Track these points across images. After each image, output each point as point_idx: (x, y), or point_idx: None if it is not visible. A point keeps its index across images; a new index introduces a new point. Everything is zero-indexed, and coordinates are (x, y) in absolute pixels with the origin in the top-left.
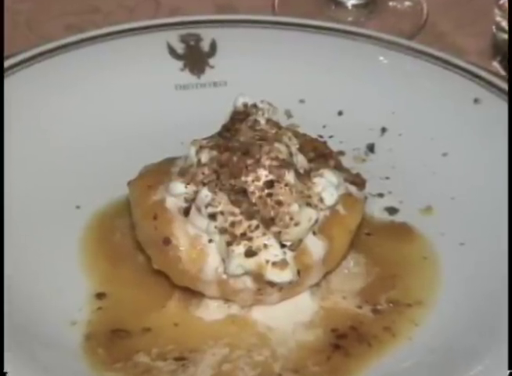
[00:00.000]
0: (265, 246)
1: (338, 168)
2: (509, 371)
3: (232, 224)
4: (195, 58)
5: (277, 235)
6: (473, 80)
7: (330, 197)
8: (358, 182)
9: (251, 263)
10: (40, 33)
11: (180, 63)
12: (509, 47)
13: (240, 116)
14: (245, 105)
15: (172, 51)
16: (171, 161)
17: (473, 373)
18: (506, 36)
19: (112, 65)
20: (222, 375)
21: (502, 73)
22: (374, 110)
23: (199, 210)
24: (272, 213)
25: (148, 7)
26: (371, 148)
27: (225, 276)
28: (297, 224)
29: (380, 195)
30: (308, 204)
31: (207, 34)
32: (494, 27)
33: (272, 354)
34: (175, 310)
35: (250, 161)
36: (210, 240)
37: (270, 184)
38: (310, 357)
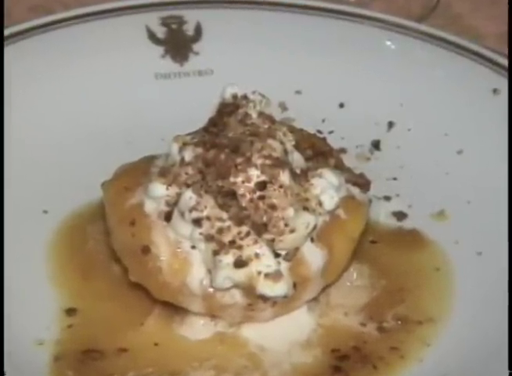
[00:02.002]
0: (257, 255)
1: (339, 167)
2: (509, 371)
3: (220, 231)
4: (177, 43)
5: (270, 243)
6: (491, 68)
7: (330, 200)
8: (362, 183)
9: (241, 275)
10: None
11: (161, 49)
12: (508, 47)
13: (229, 109)
14: (234, 96)
15: (152, 35)
16: (150, 160)
17: None
18: None
19: (83, 52)
20: None
21: None
22: (380, 102)
23: (182, 215)
24: (265, 218)
25: None
26: (376, 145)
27: (211, 290)
28: (292, 231)
29: (387, 198)
30: (305, 208)
31: (192, 17)
32: None
33: None
34: (155, 328)
35: (239, 160)
36: (194, 247)
37: (262, 185)
38: None
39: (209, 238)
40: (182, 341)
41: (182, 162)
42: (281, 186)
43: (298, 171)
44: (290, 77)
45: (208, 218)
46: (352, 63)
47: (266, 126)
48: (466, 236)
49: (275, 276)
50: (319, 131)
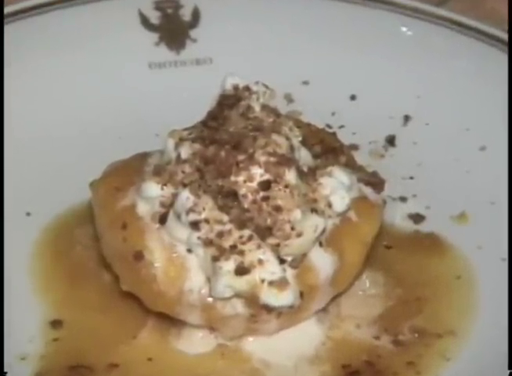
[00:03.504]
0: (260, 261)
1: (350, 165)
2: (509, 371)
3: (220, 234)
4: (173, 29)
5: (275, 248)
6: None
7: (341, 201)
8: (376, 182)
9: (243, 283)
10: None
11: (155, 36)
12: (508, 46)
13: (230, 101)
14: (235, 87)
15: (145, 21)
16: (143, 157)
17: None
18: None
19: (69, 39)
20: None
21: None
22: (395, 93)
23: (178, 217)
24: (269, 221)
25: None
26: (391, 141)
27: (210, 300)
28: (299, 235)
29: (403, 199)
30: (314, 210)
31: (188, 0)
32: None
33: None
34: (149, 341)
35: (241, 157)
36: (190, 250)
37: (266, 185)
38: None
39: (208, 243)
40: (179, 355)
41: (179, 159)
42: (287, 186)
43: (305, 169)
44: (297, 66)
45: (207, 220)
46: (365, 50)
47: (270, 120)
48: (489, 240)
49: (280, 284)
50: (329, 126)
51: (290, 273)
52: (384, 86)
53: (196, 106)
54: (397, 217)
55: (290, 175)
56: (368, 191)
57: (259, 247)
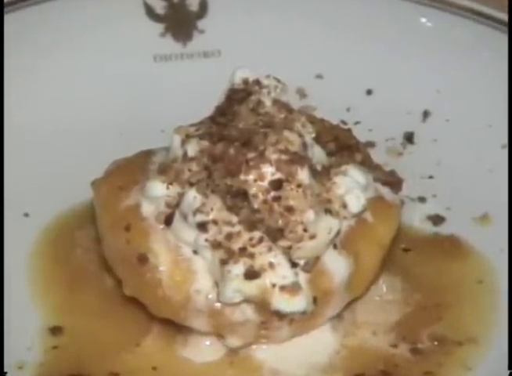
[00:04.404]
0: (271, 265)
1: (366, 163)
2: (509, 371)
3: (229, 236)
4: (180, 20)
5: (287, 251)
6: None
7: (356, 201)
8: (393, 182)
9: (253, 287)
10: None
11: (160, 27)
12: (508, 42)
13: (239, 95)
14: (245, 81)
15: (150, 11)
16: (148, 155)
17: None
18: None
19: (72, 30)
20: None
21: None
22: (413, 88)
23: (184, 218)
24: (281, 222)
25: None
26: (409, 138)
27: (218, 305)
28: (312, 237)
29: (422, 199)
30: (328, 211)
31: None
32: None
33: None
34: (153, 349)
35: (251, 155)
36: (196, 252)
37: (278, 184)
38: None
39: (216, 245)
40: (185, 364)
41: (185, 157)
42: (299, 186)
43: (319, 167)
44: (310, 59)
45: (215, 221)
46: (382, 43)
47: (282, 116)
48: None
49: (292, 288)
50: (344, 122)
51: (302, 277)
52: (402, 80)
53: (203, 100)
54: (415, 218)
55: (303, 174)
56: (385, 191)
57: (270, 249)
